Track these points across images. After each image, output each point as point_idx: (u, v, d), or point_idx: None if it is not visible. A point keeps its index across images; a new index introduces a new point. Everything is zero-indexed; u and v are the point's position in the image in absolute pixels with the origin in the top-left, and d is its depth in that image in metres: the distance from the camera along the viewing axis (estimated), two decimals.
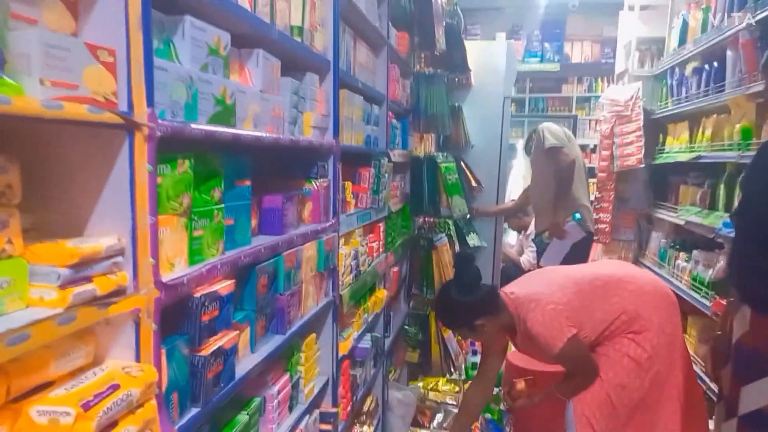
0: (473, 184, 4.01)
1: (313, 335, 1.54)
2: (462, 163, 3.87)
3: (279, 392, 1.33)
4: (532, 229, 4.93)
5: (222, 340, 0.97)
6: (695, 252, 2.89)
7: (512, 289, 2.09)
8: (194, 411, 0.90)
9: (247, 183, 1.11)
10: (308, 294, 1.43)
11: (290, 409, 1.41)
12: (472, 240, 4.17)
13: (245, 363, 1.12)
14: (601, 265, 2.28)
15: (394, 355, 2.93)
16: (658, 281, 2.08)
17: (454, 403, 2.97)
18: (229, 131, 0.99)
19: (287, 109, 1.31)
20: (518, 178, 5.73)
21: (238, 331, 1.03)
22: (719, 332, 1.80)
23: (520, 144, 6.64)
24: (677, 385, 2.00)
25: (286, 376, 1.38)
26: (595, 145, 5.54)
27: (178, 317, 0.91)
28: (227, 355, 0.98)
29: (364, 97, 1.93)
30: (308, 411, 1.47)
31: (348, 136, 1.74)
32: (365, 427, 2.23)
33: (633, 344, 1.99)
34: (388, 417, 2.52)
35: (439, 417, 2.86)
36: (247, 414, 1.14)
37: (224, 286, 0.97)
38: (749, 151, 2.35)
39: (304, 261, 1.38)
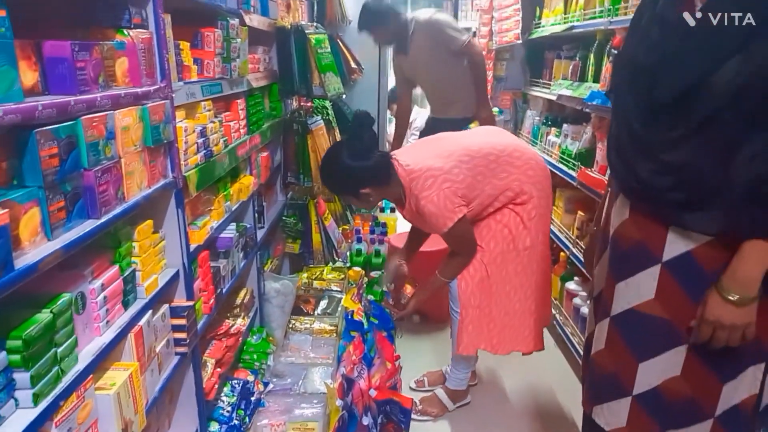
0: (352, 65, 3.77)
1: (149, 222, 1.32)
2: (339, 41, 3.59)
3: (104, 287, 1.13)
4: (414, 117, 4.85)
5: None
6: (565, 126, 2.95)
7: (406, 159, 1.96)
8: None
9: (1, 13, 0.81)
10: (133, 172, 1.19)
11: (126, 305, 1.22)
12: None
13: (37, 252, 0.89)
14: (490, 133, 2.19)
15: (272, 246, 2.79)
16: (537, 155, 2.10)
17: (339, 289, 2.95)
18: None
19: None
20: None
21: (7, 210, 0.79)
22: (595, 227, 1.61)
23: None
24: (543, 255, 2.11)
25: (114, 269, 1.17)
26: (476, 29, 5.41)
27: None
28: None
29: None
30: (150, 306, 1.29)
31: None
32: (239, 320, 2.11)
33: (513, 214, 2.02)
34: (266, 308, 2.43)
35: (323, 304, 2.83)
36: (51, 312, 0.94)
37: None
38: (618, 17, 2.32)
39: (120, 131, 1.12)
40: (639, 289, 1.25)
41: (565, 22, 2.97)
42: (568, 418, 2.30)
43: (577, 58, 2.93)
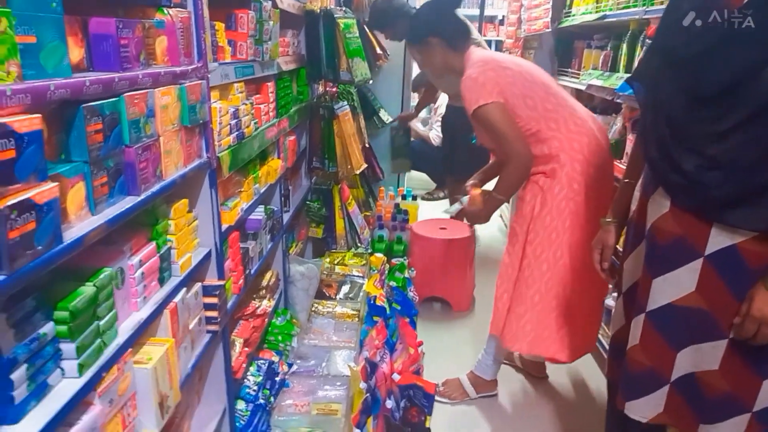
0: (378, 51, 3.75)
1: (185, 201, 1.33)
2: (366, 27, 3.57)
3: (142, 263, 1.14)
4: (440, 102, 4.82)
5: (30, 192, 0.75)
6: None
7: (483, 50, 2.16)
8: None
9: None
10: (171, 151, 1.21)
11: (161, 281, 1.24)
12: (384, 116, 4.02)
13: (82, 226, 0.91)
14: (570, 97, 2.11)
15: (296, 230, 2.81)
16: (600, 141, 1.96)
17: (361, 275, 2.96)
18: None
19: None
20: None
21: (57, 184, 0.81)
22: (609, 218, 1.57)
23: None
24: (582, 262, 1.92)
25: (151, 246, 1.19)
26: (504, 17, 5.34)
27: None
28: (42, 211, 0.77)
29: None
30: (184, 284, 1.31)
31: None
32: (265, 301, 2.13)
33: (540, 194, 1.93)
34: (290, 290, 2.45)
35: (345, 288, 2.85)
36: (94, 285, 0.96)
37: (22, 121, 0.73)
38: (654, 6, 2.27)
39: (159, 109, 1.13)
40: (679, 284, 1.22)
41: (597, 11, 2.91)
42: (590, 411, 2.29)
43: (609, 48, 2.87)
